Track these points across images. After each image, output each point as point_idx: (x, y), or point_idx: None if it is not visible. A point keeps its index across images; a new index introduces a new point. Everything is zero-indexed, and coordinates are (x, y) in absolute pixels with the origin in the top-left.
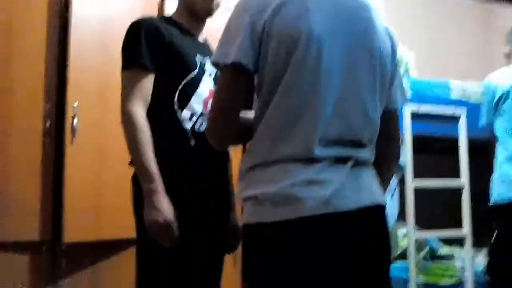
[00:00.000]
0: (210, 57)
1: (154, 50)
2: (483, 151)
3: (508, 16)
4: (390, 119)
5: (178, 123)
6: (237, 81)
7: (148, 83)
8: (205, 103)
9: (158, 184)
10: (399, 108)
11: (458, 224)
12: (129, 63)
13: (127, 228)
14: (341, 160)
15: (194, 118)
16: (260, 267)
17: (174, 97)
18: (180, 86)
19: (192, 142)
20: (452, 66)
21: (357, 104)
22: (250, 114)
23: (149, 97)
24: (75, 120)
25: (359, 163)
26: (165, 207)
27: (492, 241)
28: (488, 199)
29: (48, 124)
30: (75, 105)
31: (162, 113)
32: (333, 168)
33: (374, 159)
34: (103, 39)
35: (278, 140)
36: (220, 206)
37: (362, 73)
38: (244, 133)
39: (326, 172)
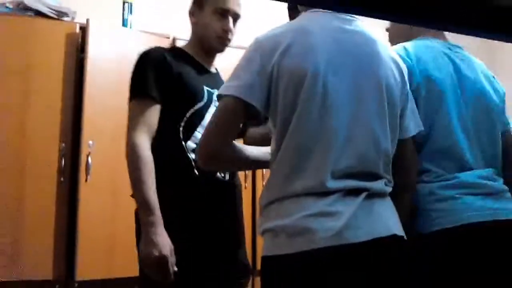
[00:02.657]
0: (218, 89)
1: (161, 80)
2: None
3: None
4: (404, 148)
5: (183, 153)
6: (235, 112)
7: (154, 113)
8: None
9: (157, 217)
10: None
11: None
12: (135, 93)
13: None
14: (354, 192)
15: None
16: None
17: (180, 128)
18: (186, 117)
19: (196, 173)
20: None
21: (368, 136)
22: (249, 149)
23: (155, 128)
24: (89, 159)
25: (373, 195)
26: (161, 241)
27: None
28: None
29: (63, 162)
30: (90, 143)
31: (168, 144)
32: (345, 200)
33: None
34: (118, 79)
35: (292, 175)
36: (226, 240)
37: (370, 104)
38: (237, 163)
39: (338, 204)
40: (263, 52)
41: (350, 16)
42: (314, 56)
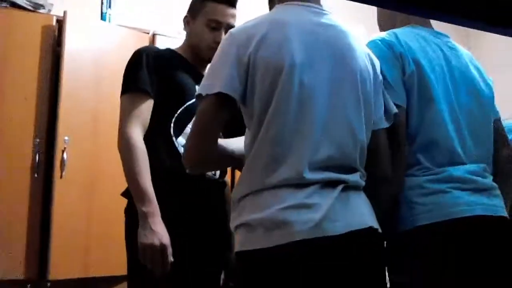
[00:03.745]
0: None
1: (154, 76)
2: None
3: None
4: (377, 139)
5: (174, 148)
6: (219, 111)
7: (147, 107)
8: None
9: (155, 207)
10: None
11: None
12: (129, 87)
13: (115, 265)
14: (331, 184)
15: None
16: None
17: (170, 124)
18: (177, 113)
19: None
20: None
21: (345, 126)
22: (231, 144)
23: (148, 121)
24: (65, 155)
25: (349, 187)
26: (161, 230)
27: None
28: None
29: (37, 158)
30: (65, 138)
31: (159, 138)
32: (323, 192)
33: (365, 182)
34: (95, 74)
35: (269, 167)
36: (214, 236)
37: (347, 96)
38: (223, 161)
39: (316, 196)
40: (239, 44)
41: (322, 9)
42: (290, 47)
